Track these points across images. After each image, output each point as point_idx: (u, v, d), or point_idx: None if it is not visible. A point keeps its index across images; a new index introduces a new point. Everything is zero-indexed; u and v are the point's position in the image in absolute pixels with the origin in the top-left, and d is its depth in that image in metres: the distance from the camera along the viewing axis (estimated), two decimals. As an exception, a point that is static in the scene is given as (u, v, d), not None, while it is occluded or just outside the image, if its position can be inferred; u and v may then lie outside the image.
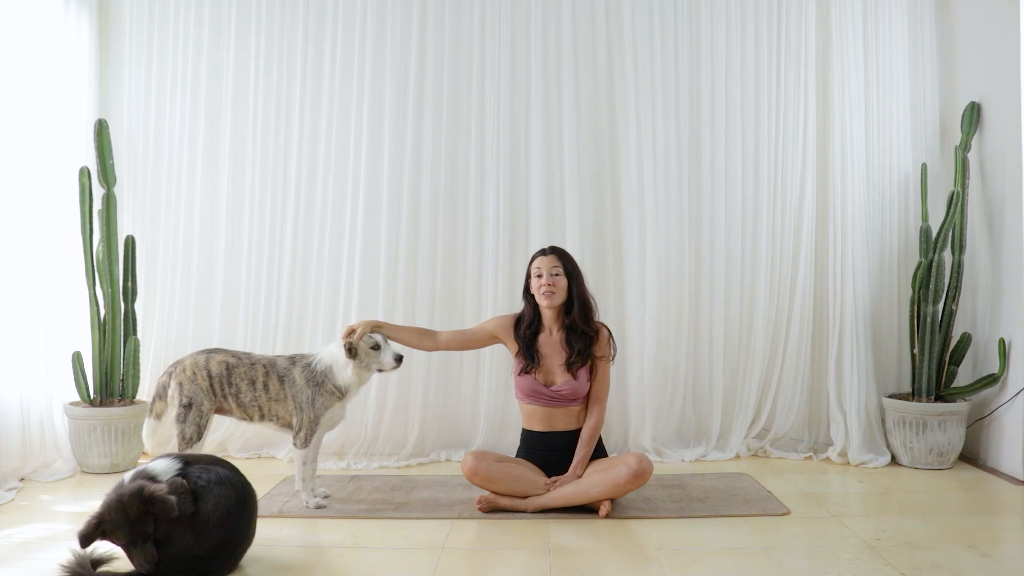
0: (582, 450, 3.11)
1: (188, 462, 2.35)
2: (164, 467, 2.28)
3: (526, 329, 3.19)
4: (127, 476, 2.26)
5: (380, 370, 3.11)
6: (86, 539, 2.13)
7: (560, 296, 3.13)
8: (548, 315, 3.18)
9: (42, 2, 3.70)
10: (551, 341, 3.17)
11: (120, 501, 2.11)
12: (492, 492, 3.05)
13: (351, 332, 3.09)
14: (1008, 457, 3.59)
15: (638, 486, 2.97)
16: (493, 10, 4.08)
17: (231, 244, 4.12)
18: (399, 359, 3.09)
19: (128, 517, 2.10)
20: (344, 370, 3.07)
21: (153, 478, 2.24)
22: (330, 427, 3.20)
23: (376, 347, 3.07)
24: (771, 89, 4.11)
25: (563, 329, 3.16)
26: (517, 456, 3.23)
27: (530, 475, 3.09)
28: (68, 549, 2.22)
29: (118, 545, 2.17)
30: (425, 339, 3.26)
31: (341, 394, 3.10)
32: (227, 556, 2.30)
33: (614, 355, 3.20)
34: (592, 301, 3.20)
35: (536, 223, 4.05)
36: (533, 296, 3.19)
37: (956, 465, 3.77)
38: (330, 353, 3.10)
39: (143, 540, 2.12)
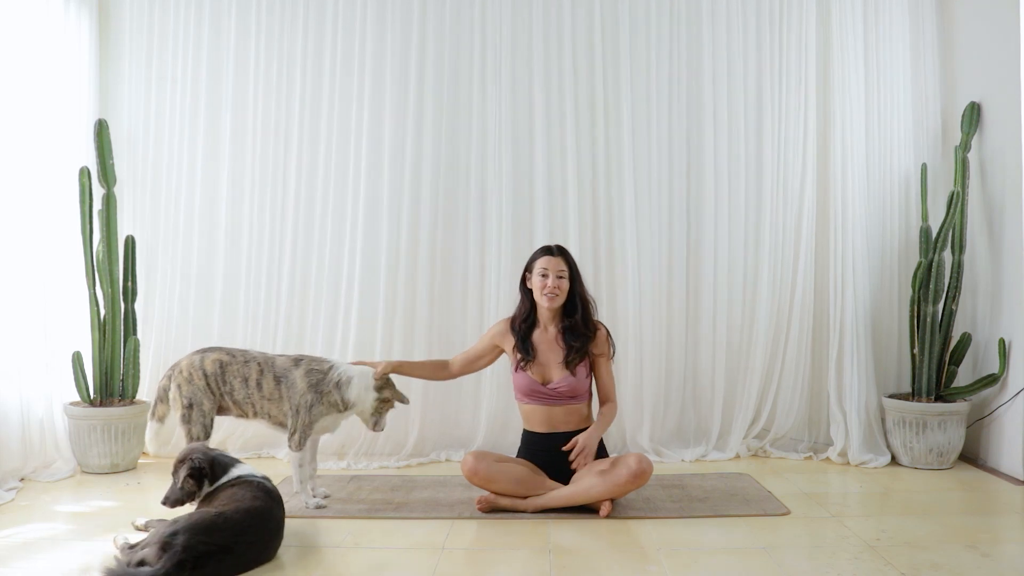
0: (599, 421, 3.11)
1: (265, 477, 2.71)
2: (249, 470, 2.68)
3: (521, 323, 3.20)
4: (212, 446, 2.81)
5: (373, 425, 3.13)
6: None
7: (561, 299, 3.15)
8: (545, 314, 3.19)
9: (42, 2, 3.70)
10: (546, 338, 3.18)
11: (184, 450, 2.71)
12: (492, 492, 3.05)
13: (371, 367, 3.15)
14: (1008, 457, 3.59)
15: (638, 486, 2.98)
16: (494, 10, 4.07)
17: (231, 244, 4.12)
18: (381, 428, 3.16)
19: (179, 458, 2.67)
20: (364, 393, 3.08)
21: (210, 466, 2.64)
22: (322, 432, 3.20)
23: (379, 410, 3.12)
24: (771, 89, 4.11)
25: (560, 328, 3.17)
26: (517, 457, 3.23)
27: (530, 475, 3.09)
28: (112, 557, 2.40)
29: None
30: (440, 371, 3.32)
31: (344, 408, 3.10)
32: (249, 542, 2.43)
33: (613, 353, 3.21)
34: (592, 301, 3.22)
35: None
36: (531, 291, 3.20)
37: (956, 465, 3.77)
38: (361, 371, 3.11)
39: (177, 482, 2.62)
